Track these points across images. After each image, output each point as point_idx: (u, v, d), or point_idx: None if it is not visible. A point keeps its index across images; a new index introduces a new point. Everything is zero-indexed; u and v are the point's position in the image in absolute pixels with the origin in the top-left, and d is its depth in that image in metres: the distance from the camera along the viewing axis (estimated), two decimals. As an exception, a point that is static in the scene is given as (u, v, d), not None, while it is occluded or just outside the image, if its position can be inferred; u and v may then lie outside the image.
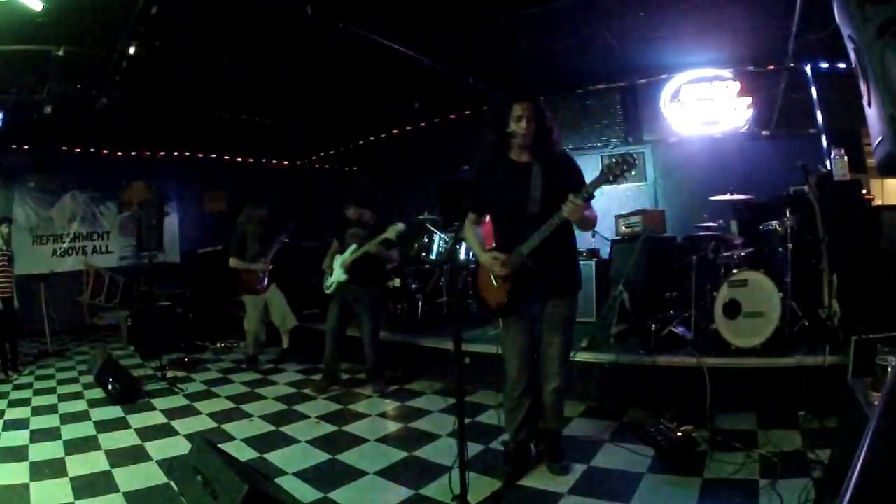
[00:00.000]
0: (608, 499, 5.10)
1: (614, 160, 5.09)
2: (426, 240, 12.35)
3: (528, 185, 5.47)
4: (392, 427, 7.58)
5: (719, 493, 5.02)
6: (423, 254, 12.33)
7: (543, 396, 5.79)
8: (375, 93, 13.24)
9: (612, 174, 5.06)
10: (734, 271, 7.84)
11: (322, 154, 19.93)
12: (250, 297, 11.53)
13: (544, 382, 5.76)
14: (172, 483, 5.60)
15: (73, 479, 5.89)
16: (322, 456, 6.54)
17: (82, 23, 8.53)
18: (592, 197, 5.33)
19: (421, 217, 12.57)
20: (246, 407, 8.62)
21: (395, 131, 16.74)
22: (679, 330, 8.27)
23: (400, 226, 8.94)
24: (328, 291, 9.37)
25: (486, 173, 5.80)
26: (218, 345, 13.35)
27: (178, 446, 6.77)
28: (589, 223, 5.56)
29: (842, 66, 9.95)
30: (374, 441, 7.00)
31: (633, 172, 5.24)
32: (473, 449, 6.26)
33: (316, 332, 10.53)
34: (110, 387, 8.85)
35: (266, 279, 11.45)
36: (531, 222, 5.36)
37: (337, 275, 9.18)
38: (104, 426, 7.69)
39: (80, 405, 8.77)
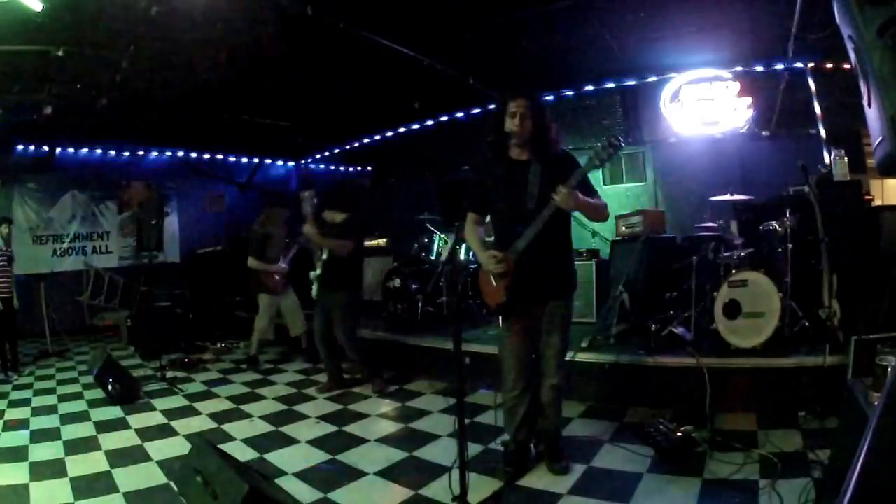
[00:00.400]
0: (608, 499, 5.10)
1: (600, 144, 5.09)
2: (426, 240, 12.36)
3: (525, 182, 5.47)
4: (392, 427, 7.58)
5: (719, 493, 5.02)
6: (423, 254, 12.34)
7: (541, 394, 5.79)
8: (376, 92, 13.22)
9: (598, 158, 5.10)
10: (734, 271, 7.84)
11: (326, 154, 19.93)
12: (266, 296, 11.59)
13: (542, 380, 5.77)
14: (172, 483, 5.60)
15: (73, 480, 5.89)
16: (322, 456, 6.55)
17: (82, 23, 8.52)
18: (593, 189, 5.51)
19: (421, 217, 12.58)
20: (246, 407, 8.62)
21: (396, 131, 16.75)
22: (679, 330, 8.26)
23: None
24: (314, 297, 9.37)
25: (485, 172, 5.79)
26: (218, 345, 13.32)
27: (177, 447, 6.77)
28: (594, 210, 5.58)
29: (842, 66, 9.96)
30: (375, 441, 7.00)
31: (620, 154, 5.24)
32: (473, 449, 6.26)
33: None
34: (110, 387, 8.84)
35: (284, 281, 11.53)
36: (529, 220, 5.34)
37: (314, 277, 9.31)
38: (104, 426, 7.70)
39: (79, 405, 8.78)
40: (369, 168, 20.34)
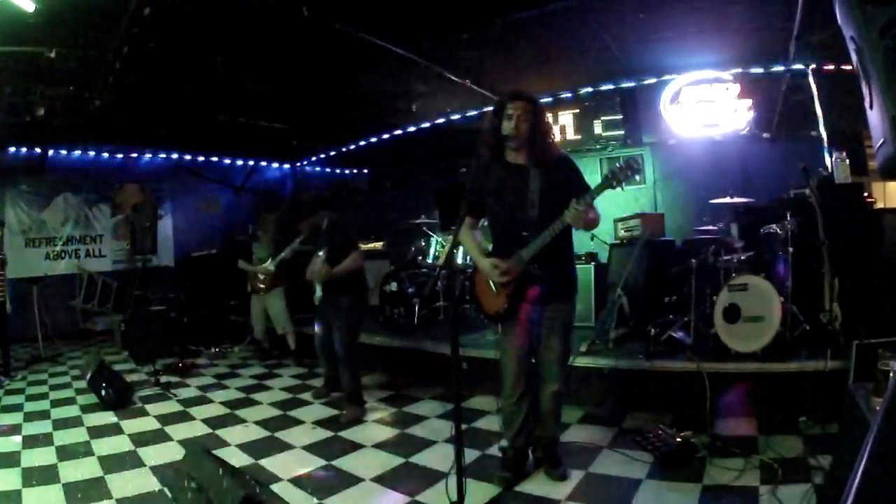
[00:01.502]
0: (607, 505, 5.09)
1: (618, 165, 5.03)
2: (423, 243, 12.39)
3: (525, 188, 5.45)
4: (389, 433, 7.57)
5: (719, 499, 5.02)
6: (420, 257, 12.36)
7: (541, 400, 5.79)
8: (372, 94, 13.23)
9: (615, 179, 5.02)
10: (734, 275, 7.86)
11: (322, 156, 19.93)
12: (253, 296, 12.01)
13: (542, 386, 5.76)
14: (166, 490, 5.60)
15: (65, 486, 5.88)
16: (318, 462, 6.55)
17: (75, 24, 8.50)
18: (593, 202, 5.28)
19: (418, 220, 12.60)
20: (241, 412, 8.61)
21: (393, 133, 16.78)
22: (678, 335, 8.27)
23: (318, 261, 8.51)
24: (316, 304, 8.88)
25: (483, 175, 5.74)
26: (212, 349, 13.32)
27: (171, 452, 6.75)
28: (592, 225, 5.50)
29: (843, 67, 9.96)
30: (371, 447, 7.00)
31: (638, 178, 5.15)
32: (471, 455, 6.24)
33: (310, 337, 10.27)
34: (103, 392, 8.81)
35: (271, 282, 11.72)
36: (530, 226, 5.33)
37: (317, 291, 8.72)
38: (97, 432, 7.69)
39: (72, 411, 8.76)
40: (366, 171, 20.36)
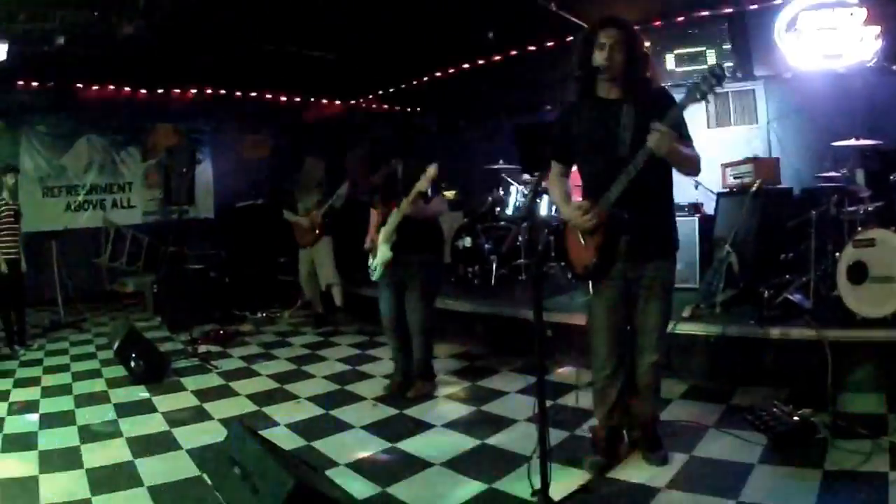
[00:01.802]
0: (713, 493, 5.02)
1: (701, 75, 4.86)
2: (501, 193, 12.43)
3: (616, 125, 5.30)
4: (461, 410, 7.58)
5: (843, 486, 4.94)
6: (498, 209, 12.38)
7: (638, 373, 5.71)
8: (442, 20, 13.00)
9: (699, 92, 4.85)
10: (860, 229, 7.76)
11: (380, 93, 19.72)
12: (300, 250, 12.16)
13: (639, 357, 5.68)
14: (205, 476, 5.64)
15: (89, 472, 5.95)
16: (380, 444, 6.57)
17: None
18: (688, 136, 5.27)
19: (496, 166, 12.56)
20: (291, 387, 8.67)
21: (465, 66, 16.45)
22: (796, 297, 8.19)
23: (431, 169, 7.67)
24: (374, 278, 8.32)
25: (571, 114, 5.66)
26: (258, 315, 13.49)
27: (211, 433, 6.86)
28: (686, 160, 5.32)
29: None
30: (441, 427, 7.03)
31: (728, 91, 5.02)
32: (556, 436, 6.20)
33: (370, 300, 10.26)
34: (133, 364, 8.91)
35: (315, 232, 11.84)
36: (622, 167, 5.15)
37: (382, 253, 8.06)
38: (126, 409, 7.81)
39: (97, 385, 8.92)
40: (435, 110, 20.12)
